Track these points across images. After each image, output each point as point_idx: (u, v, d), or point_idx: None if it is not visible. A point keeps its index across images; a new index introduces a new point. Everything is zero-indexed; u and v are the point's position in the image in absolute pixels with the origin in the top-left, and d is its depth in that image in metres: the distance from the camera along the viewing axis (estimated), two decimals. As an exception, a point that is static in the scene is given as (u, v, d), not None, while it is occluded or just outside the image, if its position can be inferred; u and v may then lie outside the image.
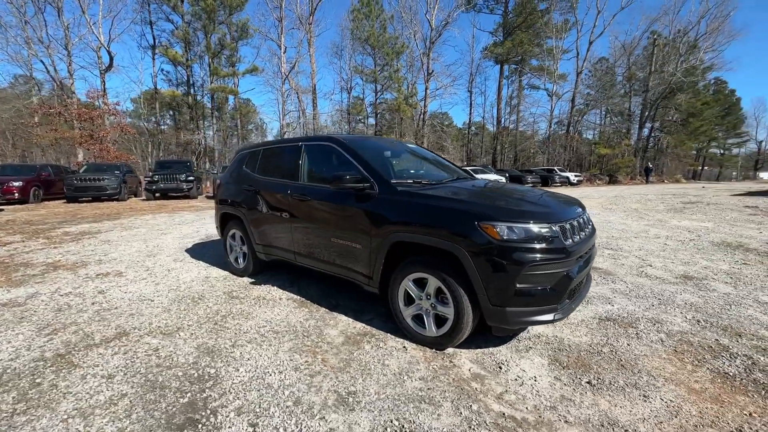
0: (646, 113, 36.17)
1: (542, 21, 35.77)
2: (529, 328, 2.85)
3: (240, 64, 28.00)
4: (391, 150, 3.72)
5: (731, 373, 2.25)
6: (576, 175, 29.04)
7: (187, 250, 5.71)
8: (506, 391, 2.13)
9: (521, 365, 2.38)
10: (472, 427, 1.83)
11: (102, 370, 2.38)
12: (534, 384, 2.19)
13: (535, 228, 2.27)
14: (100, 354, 2.57)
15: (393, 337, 2.78)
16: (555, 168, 29.81)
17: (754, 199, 11.87)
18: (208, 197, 17.05)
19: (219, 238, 6.63)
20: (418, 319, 2.69)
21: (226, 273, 4.45)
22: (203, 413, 1.95)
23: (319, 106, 38.21)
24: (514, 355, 2.51)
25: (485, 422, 1.86)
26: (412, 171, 3.58)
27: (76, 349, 2.65)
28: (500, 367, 2.36)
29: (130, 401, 2.05)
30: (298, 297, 3.63)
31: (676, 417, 1.88)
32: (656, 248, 5.32)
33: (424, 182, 3.02)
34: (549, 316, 2.31)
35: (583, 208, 2.88)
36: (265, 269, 4.42)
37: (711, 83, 39.45)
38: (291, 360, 2.47)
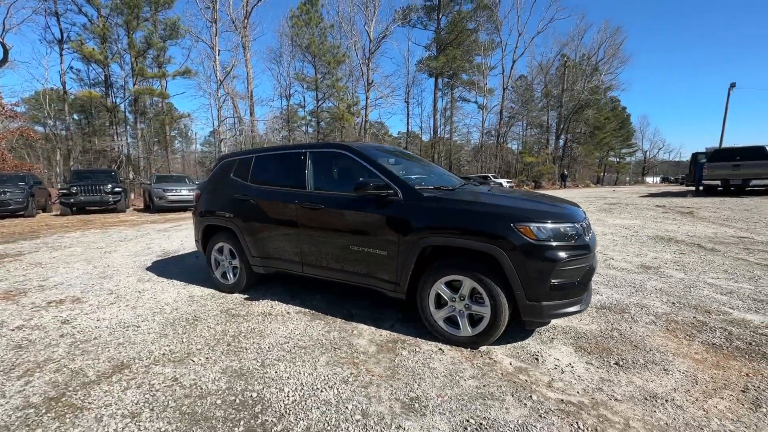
0: (561, 126, 40.73)
1: (470, 39, 38.62)
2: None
3: (169, 65, 25.78)
4: (394, 157, 3.77)
5: (717, 344, 2.67)
6: (508, 182, 31.54)
7: (150, 269, 5.12)
8: (552, 379, 2.29)
9: (553, 355, 2.58)
10: (542, 415, 1.95)
11: (119, 408, 2.06)
12: (572, 371, 2.38)
13: (563, 227, 2.49)
14: (106, 391, 2.22)
15: (424, 340, 2.81)
16: (489, 175, 32.07)
17: (659, 200, 14.02)
18: (138, 210, 15.36)
19: (181, 253, 6.11)
20: (449, 320, 2.76)
21: (211, 290, 4.09)
22: (271, 439, 1.80)
23: (257, 112, 36.72)
24: (543, 346, 2.70)
25: (551, 410, 1.99)
26: (422, 176, 3.66)
27: (71, 389, 2.26)
28: (536, 359, 2.53)
29: (178, 438, 1.82)
30: (306, 309, 3.48)
31: (696, 384, 2.20)
32: (608, 243, 6.05)
33: (442, 188, 3.12)
34: (576, 308, 2.54)
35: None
36: (256, 284, 4.16)
37: (609, 101, 45.61)
38: (335, 373, 2.38)
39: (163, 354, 2.68)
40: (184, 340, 2.90)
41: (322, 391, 2.19)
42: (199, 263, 5.44)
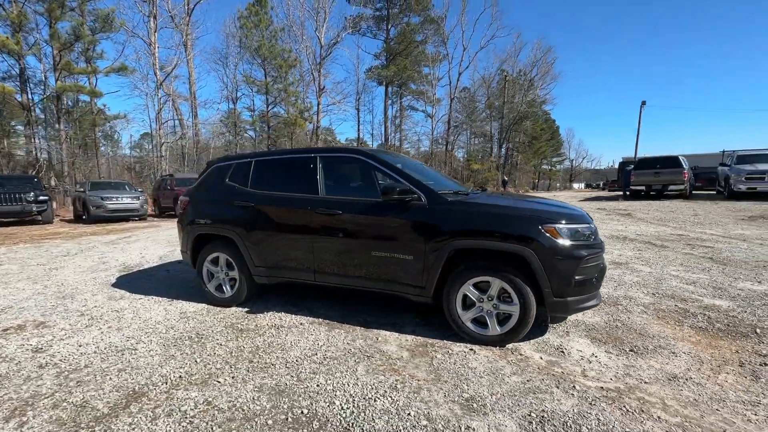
0: (503, 135, 43.56)
1: (419, 50, 40.05)
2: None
3: (100, 61, 23.23)
4: (401, 162, 3.80)
5: (703, 327, 3.05)
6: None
7: (117, 286, 4.59)
8: (584, 369, 2.45)
9: (575, 347, 2.76)
10: (591, 403, 2.08)
11: (156, 441, 1.84)
12: (598, 360, 2.57)
13: (581, 228, 2.70)
14: (131, 425, 1.97)
15: (452, 342, 2.85)
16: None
17: (597, 203, 15.57)
18: (66, 221, 13.64)
19: (146, 267, 5.55)
20: (476, 321, 2.84)
21: (203, 305, 3.78)
22: (346, 455, 1.72)
23: (202, 115, 34.64)
24: (562, 340, 2.88)
25: (596, 397, 2.13)
26: (434, 181, 3.71)
27: (84, 426, 1.97)
28: (562, 352, 2.69)
29: (243, 465, 1.67)
30: (318, 319, 3.36)
31: (702, 363, 2.49)
32: (574, 243, 6.60)
33: (460, 192, 3.21)
34: (594, 302, 2.76)
35: None
36: (252, 296, 3.92)
37: (543, 114, 49.77)
38: (380, 381, 2.33)
39: (180, 377, 2.43)
40: (198, 360, 2.65)
41: (375, 401, 2.13)
42: (174, 277, 4.99)
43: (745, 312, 3.30)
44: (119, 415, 2.05)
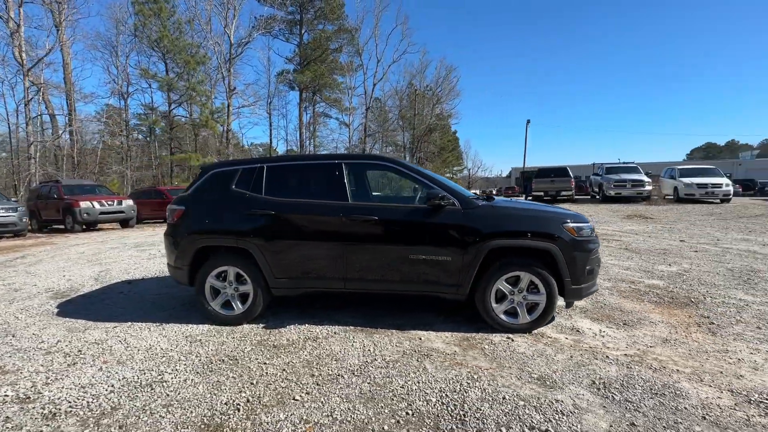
0: (414, 145, 46.37)
1: (334, 58, 40.43)
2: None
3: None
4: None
5: (657, 301, 3.90)
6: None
7: (65, 314, 3.81)
8: (604, 343, 2.97)
9: (584, 326, 3.29)
10: (629, 367, 2.56)
11: (282, 467, 1.71)
12: (607, 334, 3.13)
13: (586, 226, 3.25)
14: (235, 456, 1.78)
15: (486, 334, 3.14)
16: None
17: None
18: None
19: (87, 290, 4.68)
20: (507, 312, 3.18)
21: (206, 326, 3.40)
22: (481, 441, 1.86)
23: (80, 110, 29.46)
24: (571, 322, 3.39)
25: (628, 363, 2.63)
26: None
27: (177, 468, 1.72)
28: (578, 331, 3.19)
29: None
30: (349, 327, 3.33)
31: (675, 327, 3.23)
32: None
33: (481, 197, 3.53)
34: (596, 287, 3.35)
35: None
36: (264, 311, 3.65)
37: (449, 126, 54.45)
38: (456, 374, 2.48)
39: (248, 400, 2.23)
40: (253, 381, 2.45)
41: (467, 392, 2.29)
42: (134, 298, 4.30)
43: (676, 287, 4.31)
44: (212, 450, 1.82)
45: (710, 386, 2.32)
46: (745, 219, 10.40)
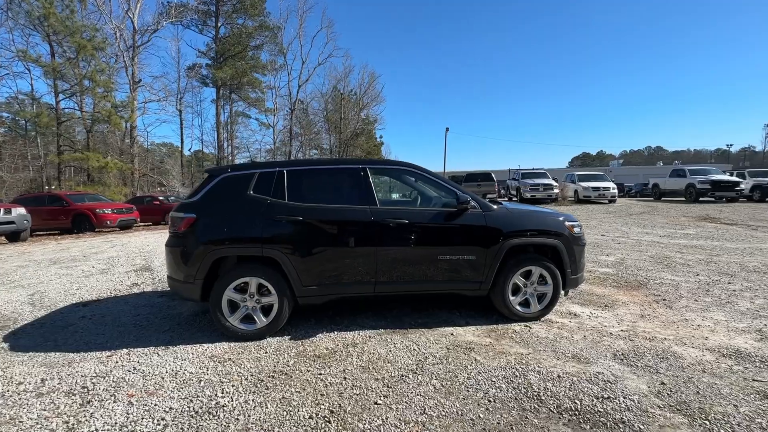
0: (342, 149, 46.44)
1: (255, 56, 38.51)
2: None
3: None
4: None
5: (617, 285, 4.67)
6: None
7: (27, 349, 3.16)
8: (600, 324, 3.51)
9: (577, 311, 3.83)
10: (632, 340, 3.09)
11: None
12: (598, 315, 3.69)
13: (577, 224, 3.80)
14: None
15: (505, 324, 3.47)
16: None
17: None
18: None
19: (39, 315, 4.10)
20: (521, 303, 3.56)
21: (226, 344, 3.13)
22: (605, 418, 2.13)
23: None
24: (565, 307, 3.91)
25: (629, 337, 3.17)
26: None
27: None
28: (575, 315, 3.71)
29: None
30: (379, 330, 3.38)
31: (642, 305, 3.94)
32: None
33: (488, 201, 3.87)
34: (585, 276, 3.91)
35: None
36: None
37: (374, 130, 55.56)
38: (507, 362, 2.73)
39: (332, 411, 2.19)
40: (322, 393, 2.39)
41: (526, 374, 2.55)
42: (105, 321, 3.72)
43: (623, 274, 5.21)
44: (332, 464, 1.78)
45: (693, 348, 2.95)
46: (635, 216, 12.76)
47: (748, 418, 2.06)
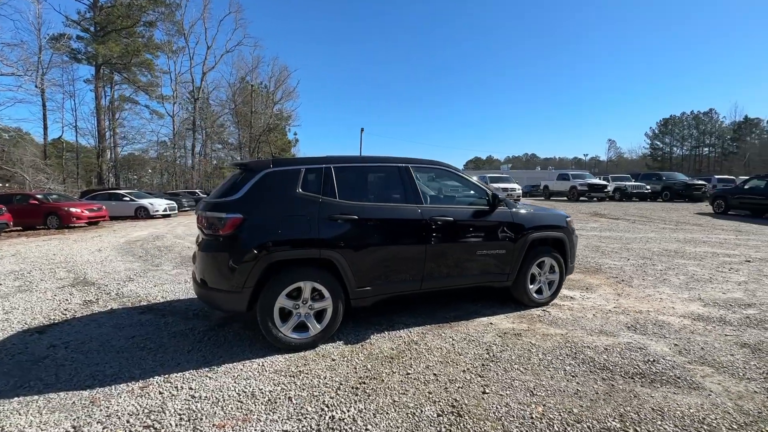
0: (253, 145, 43.58)
1: (142, 32, 33.55)
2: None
3: None
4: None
5: (582, 270, 5.52)
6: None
7: (21, 388, 2.42)
8: (595, 303, 4.15)
9: (570, 294, 4.45)
10: (627, 314, 3.76)
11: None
12: (588, 297, 4.36)
13: (571, 218, 4.41)
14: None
15: (525, 310, 3.87)
16: (197, 191, 29.62)
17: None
18: None
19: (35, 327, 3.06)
20: (536, 291, 4.00)
21: (278, 356, 2.86)
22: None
23: None
24: (562, 292, 4.51)
25: (624, 312, 3.84)
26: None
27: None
28: (572, 299, 4.31)
29: (631, 410, 2.18)
30: (426, 326, 3.46)
31: (611, 286, 4.77)
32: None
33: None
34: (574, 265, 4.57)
35: None
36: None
37: (289, 127, 53.16)
38: (559, 343, 3.10)
39: (453, 405, 2.24)
40: (429, 390, 2.40)
41: (582, 351, 2.93)
42: (92, 348, 3.04)
43: (579, 261, 6.15)
44: (498, 452, 1.85)
45: (671, 316, 3.73)
46: (544, 213, 14.91)
47: (744, 362, 2.75)
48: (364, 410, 2.19)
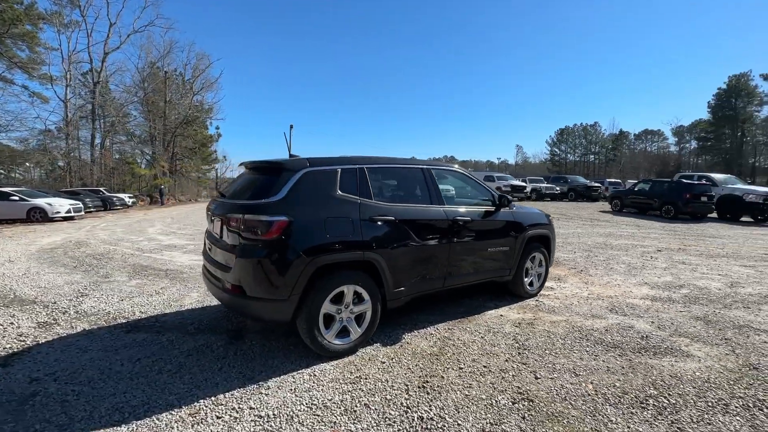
0: (169, 138, 39.22)
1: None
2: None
3: None
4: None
5: (557, 264, 6.19)
6: (130, 196, 26.86)
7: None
8: (573, 292, 4.72)
9: (550, 285, 4.99)
10: (601, 299, 4.37)
11: (627, 408, 2.27)
12: (563, 286, 4.93)
13: (550, 216, 4.94)
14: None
15: (523, 302, 4.26)
16: (101, 189, 25.74)
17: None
18: None
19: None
20: (529, 284, 4.42)
21: (324, 365, 2.75)
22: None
23: None
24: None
25: (598, 297, 4.45)
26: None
27: None
28: (552, 288, 4.84)
29: None
30: (447, 321, 3.60)
31: (576, 276, 5.46)
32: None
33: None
34: (550, 257, 5.13)
35: None
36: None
37: (209, 121, 48.48)
38: (569, 328, 3.49)
39: (525, 396, 2.41)
40: (494, 383, 2.55)
41: (591, 332, 3.35)
42: (91, 378, 2.59)
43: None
44: (582, 427, 2.08)
45: (635, 299, 4.44)
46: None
47: (705, 331, 3.43)
48: (444, 407, 2.25)
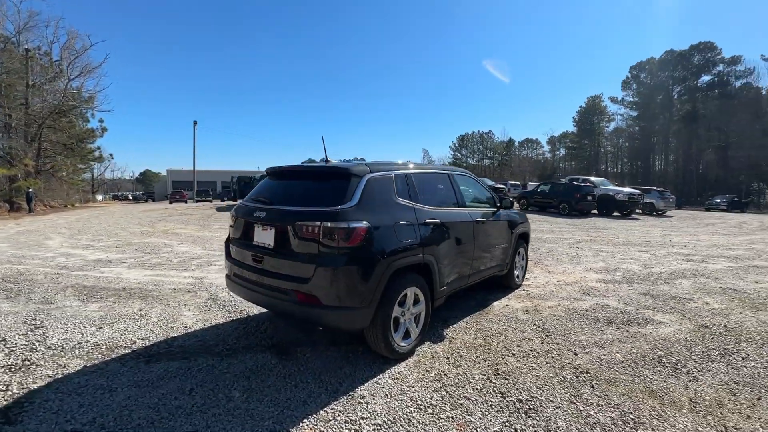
0: (36, 131, 32.10)
1: None
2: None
3: None
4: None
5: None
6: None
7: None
8: (545, 281, 5.46)
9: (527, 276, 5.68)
10: (569, 285, 5.18)
11: None
12: (536, 277, 5.66)
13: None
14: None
15: (514, 292, 4.82)
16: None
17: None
18: None
19: None
20: (517, 275, 5.00)
21: (394, 368, 2.80)
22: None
23: None
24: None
25: (567, 284, 5.25)
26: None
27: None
28: (527, 279, 5.53)
29: None
30: (470, 315, 3.90)
31: (541, 268, 6.29)
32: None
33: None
34: (520, 252, 5.83)
35: None
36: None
37: (91, 113, 40.66)
38: (570, 310, 4.10)
39: (581, 372, 2.84)
40: (552, 364, 2.92)
41: (585, 313, 4.00)
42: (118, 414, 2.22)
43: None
44: (637, 387, 2.57)
45: (593, 282, 5.36)
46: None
47: (661, 304, 4.38)
48: (529, 389, 2.53)
